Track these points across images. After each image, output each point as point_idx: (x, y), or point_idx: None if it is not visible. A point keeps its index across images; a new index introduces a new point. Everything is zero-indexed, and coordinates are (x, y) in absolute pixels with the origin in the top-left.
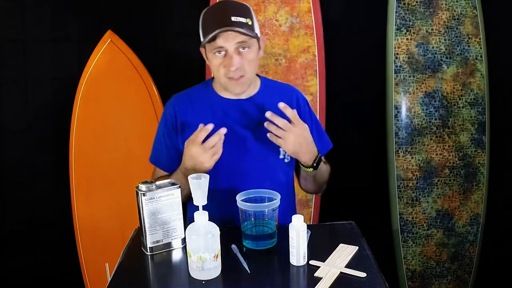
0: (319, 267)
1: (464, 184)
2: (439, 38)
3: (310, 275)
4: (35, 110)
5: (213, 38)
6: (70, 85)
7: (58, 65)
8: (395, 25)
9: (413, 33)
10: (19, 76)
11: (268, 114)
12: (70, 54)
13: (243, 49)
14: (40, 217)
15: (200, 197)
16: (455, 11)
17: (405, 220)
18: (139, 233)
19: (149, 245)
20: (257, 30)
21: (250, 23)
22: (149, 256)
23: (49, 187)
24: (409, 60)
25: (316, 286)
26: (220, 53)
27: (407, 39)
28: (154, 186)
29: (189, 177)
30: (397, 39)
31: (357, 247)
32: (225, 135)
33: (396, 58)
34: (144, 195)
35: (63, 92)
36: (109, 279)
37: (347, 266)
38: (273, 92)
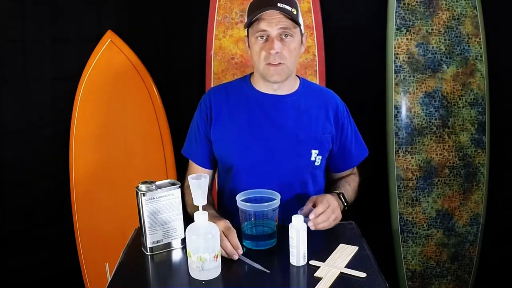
0: (319, 267)
1: (464, 184)
2: (439, 38)
3: (310, 275)
4: (35, 110)
5: (257, 21)
6: (70, 85)
7: (58, 65)
8: (395, 25)
9: (413, 33)
10: (19, 76)
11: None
12: (70, 54)
13: (286, 36)
14: (40, 217)
15: (200, 197)
16: (455, 11)
17: (405, 220)
18: (139, 233)
19: (149, 245)
20: (301, 21)
21: (295, 12)
22: (149, 256)
23: (49, 187)
24: (409, 60)
25: (316, 286)
26: (262, 38)
27: (407, 39)
28: (154, 186)
29: (189, 177)
30: (397, 39)
31: (357, 247)
32: (253, 131)
33: (396, 58)
34: (144, 195)
35: (63, 92)
36: (109, 279)
37: (347, 266)
38: (312, 94)
